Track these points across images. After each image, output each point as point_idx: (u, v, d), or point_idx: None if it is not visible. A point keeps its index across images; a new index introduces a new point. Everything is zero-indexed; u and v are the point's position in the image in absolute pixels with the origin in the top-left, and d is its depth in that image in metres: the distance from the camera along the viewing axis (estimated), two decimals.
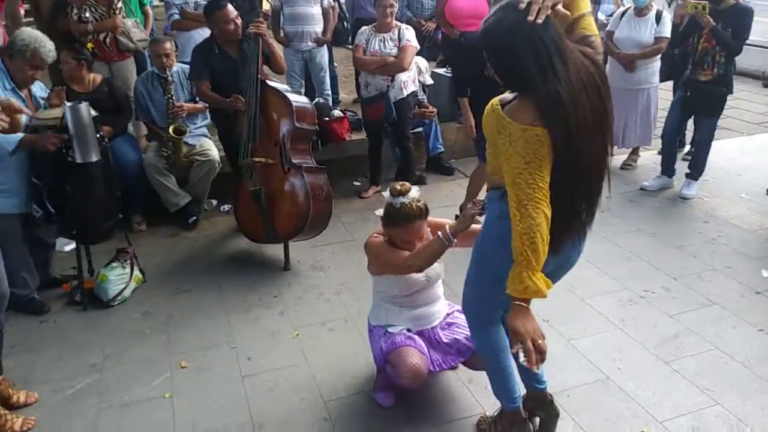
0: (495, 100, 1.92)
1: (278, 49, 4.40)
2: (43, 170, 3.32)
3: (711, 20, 4.29)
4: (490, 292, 2.12)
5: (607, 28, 5.17)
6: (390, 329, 2.61)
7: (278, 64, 4.08)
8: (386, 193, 2.48)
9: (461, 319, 2.61)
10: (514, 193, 1.79)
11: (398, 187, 2.46)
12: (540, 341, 1.80)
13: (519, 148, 1.77)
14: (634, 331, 3.21)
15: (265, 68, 3.96)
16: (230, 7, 3.86)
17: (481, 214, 2.28)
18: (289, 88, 4.11)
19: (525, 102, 1.81)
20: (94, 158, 3.30)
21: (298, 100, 3.88)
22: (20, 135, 3.04)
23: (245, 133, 3.76)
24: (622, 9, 5.22)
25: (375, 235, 2.64)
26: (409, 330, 2.62)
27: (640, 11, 4.96)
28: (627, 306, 3.44)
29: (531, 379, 2.44)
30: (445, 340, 2.66)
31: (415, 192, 2.46)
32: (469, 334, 2.53)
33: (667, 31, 4.93)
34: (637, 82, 5.08)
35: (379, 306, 2.70)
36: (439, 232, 2.40)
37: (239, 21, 3.87)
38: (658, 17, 4.94)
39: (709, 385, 2.81)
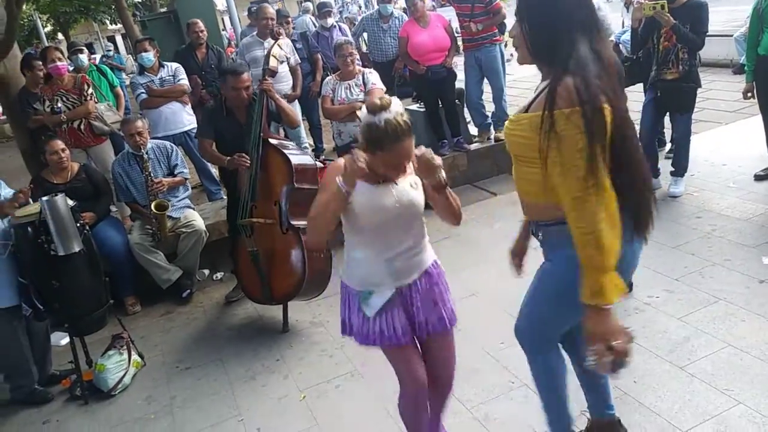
0: (510, 121, 1.85)
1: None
2: (27, 267, 3.31)
3: (671, 18, 4.33)
4: (564, 314, 2.01)
5: None
6: (366, 304, 2.17)
7: (289, 118, 3.96)
8: (363, 112, 2.05)
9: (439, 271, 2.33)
10: (565, 189, 1.67)
11: (378, 102, 2.01)
12: (616, 342, 1.65)
13: (570, 133, 1.63)
14: (644, 341, 3.14)
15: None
16: (245, 75, 3.80)
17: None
18: (293, 146, 3.96)
19: (560, 86, 1.67)
20: (77, 248, 3.28)
21: (300, 159, 3.74)
22: None
23: (244, 192, 3.73)
24: None
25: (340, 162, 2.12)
26: (389, 297, 2.17)
27: None
28: (633, 315, 3.37)
29: (599, 403, 2.33)
30: (428, 287, 2.26)
31: (397, 105, 2.02)
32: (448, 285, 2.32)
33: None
34: None
35: (352, 257, 2.23)
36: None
37: (250, 90, 3.83)
38: None
39: (728, 385, 2.73)
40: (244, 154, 3.68)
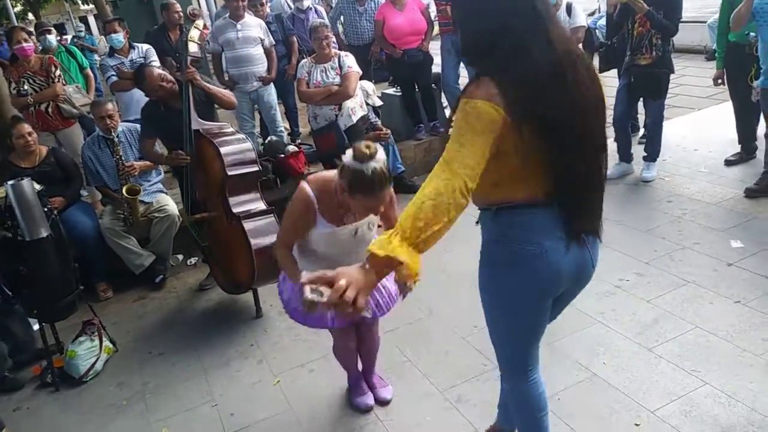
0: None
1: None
2: None
3: (644, 5, 4.36)
4: (513, 331, 1.92)
5: None
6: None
7: (223, 102, 3.88)
8: (348, 158, 2.03)
9: None
10: (440, 161, 1.52)
11: (365, 150, 2.01)
12: (350, 295, 1.36)
13: (463, 121, 1.52)
14: (614, 323, 3.19)
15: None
16: (153, 72, 3.71)
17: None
18: (229, 131, 3.76)
19: (480, 78, 1.56)
20: (44, 233, 3.22)
21: (231, 147, 3.58)
22: None
23: (186, 188, 3.69)
24: None
25: (309, 181, 2.27)
26: None
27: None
28: (604, 298, 3.42)
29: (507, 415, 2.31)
30: None
31: (381, 153, 2.05)
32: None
33: (580, 20, 5.03)
34: None
35: (302, 264, 2.35)
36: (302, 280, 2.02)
37: (168, 77, 3.72)
38: (569, 9, 5.05)
39: (694, 366, 2.79)
40: (180, 151, 3.63)
